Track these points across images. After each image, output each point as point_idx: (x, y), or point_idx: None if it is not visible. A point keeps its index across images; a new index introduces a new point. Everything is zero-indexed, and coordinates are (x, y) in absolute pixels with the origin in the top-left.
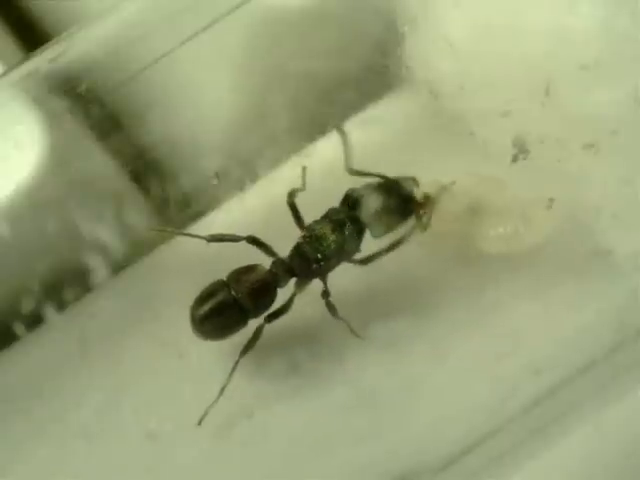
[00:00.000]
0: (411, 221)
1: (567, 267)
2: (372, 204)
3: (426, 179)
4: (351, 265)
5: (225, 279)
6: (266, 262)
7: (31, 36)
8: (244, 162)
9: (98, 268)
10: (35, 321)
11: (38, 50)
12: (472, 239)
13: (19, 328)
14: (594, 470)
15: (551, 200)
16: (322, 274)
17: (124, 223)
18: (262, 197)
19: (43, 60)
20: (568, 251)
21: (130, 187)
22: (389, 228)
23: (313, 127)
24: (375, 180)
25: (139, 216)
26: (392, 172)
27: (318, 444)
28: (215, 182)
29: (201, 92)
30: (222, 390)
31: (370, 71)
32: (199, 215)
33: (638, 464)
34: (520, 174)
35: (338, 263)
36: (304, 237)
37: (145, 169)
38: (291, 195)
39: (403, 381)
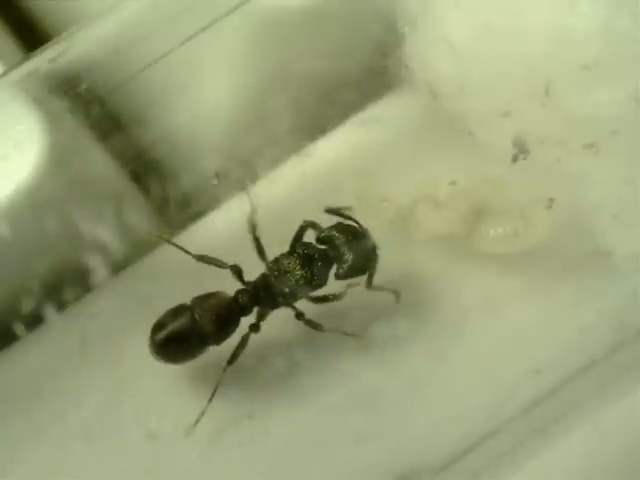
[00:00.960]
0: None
1: (567, 267)
2: (348, 247)
3: (426, 179)
4: None
5: (189, 303)
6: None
7: (31, 36)
8: (244, 162)
9: (98, 268)
10: (35, 321)
11: (38, 50)
12: (472, 239)
13: (19, 328)
14: (594, 470)
15: (551, 200)
16: (286, 305)
17: (124, 223)
18: (262, 197)
19: (43, 60)
20: (568, 251)
21: (130, 187)
22: (353, 273)
23: (313, 127)
24: (348, 222)
25: (139, 216)
26: (392, 171)
27: (318, 444)
28: (215, 182)
29: (201, 92)
30: (210, 400)
31: (370, 71)
32: (199, 215)
33: (638, 464)
34: (520, 174)
35: (304, 296)
36: (271, 269)
37: (145, 169)
38: (252, 225)
39: (403, 381)
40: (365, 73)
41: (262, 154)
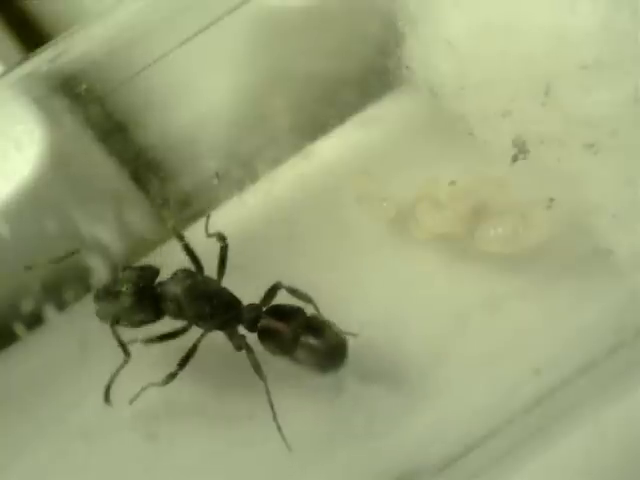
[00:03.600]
0: None
1: (567, 267)
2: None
3: (426, 179)
4: (346, 269)
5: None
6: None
7: (31, 36)
8: (244, 162)
9: (98, 268)
10: (35, 321)
11: (38, 50)
12: (472, 239)
13: (19, 328)
14: (594, 470)
15: (551, 200)
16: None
17: (124, 223)
18: (262, 197)
19: (43, 60)
20: (568, 251)
21: (130, 187)
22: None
23: (313, 127)
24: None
25: (139, 216)
26: (392, 171)
27: (318, 444)
28: (215, 182)
29: (201, 92)
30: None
31: (370, 71)
32: (199, 215)
33: (638, 464)
34: (520, 174)
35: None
36: (189, 284)
37: (145, 169)
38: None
39: (403, 381)
40: (365, 73)
41: (262, 154)
